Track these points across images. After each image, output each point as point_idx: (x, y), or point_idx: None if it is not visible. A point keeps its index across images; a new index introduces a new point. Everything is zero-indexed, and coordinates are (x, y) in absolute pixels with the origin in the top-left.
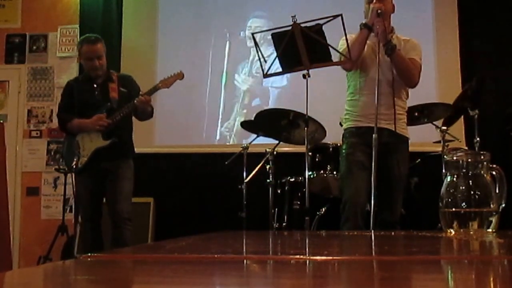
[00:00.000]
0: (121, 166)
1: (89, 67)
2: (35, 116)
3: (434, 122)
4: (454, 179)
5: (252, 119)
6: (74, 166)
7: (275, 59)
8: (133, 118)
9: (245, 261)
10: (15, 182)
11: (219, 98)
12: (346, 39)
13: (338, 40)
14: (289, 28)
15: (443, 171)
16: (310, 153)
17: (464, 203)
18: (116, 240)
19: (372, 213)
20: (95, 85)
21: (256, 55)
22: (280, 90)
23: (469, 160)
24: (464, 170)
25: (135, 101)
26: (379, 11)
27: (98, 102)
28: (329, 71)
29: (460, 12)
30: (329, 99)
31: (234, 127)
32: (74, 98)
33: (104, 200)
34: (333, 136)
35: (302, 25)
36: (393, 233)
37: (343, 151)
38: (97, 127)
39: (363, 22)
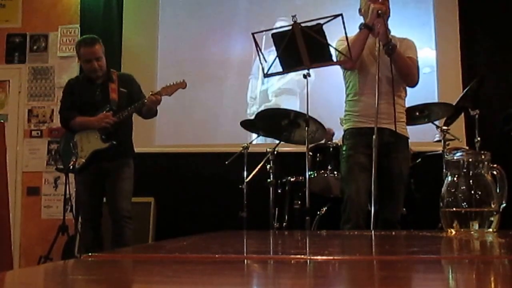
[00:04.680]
0: (121, 166)
1: (88, 69)
2: (36, 116)
3: (434, 122)
4: (455, 178)
5: (253, 118)
6: (71, 166)
7: (275, 58)
8: (133, 118)
9: (245, 261)
10: (15, 182)
11: (220, 97)
12: (347, 39)
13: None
14: (290, 27)
15: (444, 170)
16: (310, 153)
17: (464, 203)
18: (117, 239)
19: (372, 213)
20: (95, 85)
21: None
22: (280, 90)
23: (470, 159)
24: (464, 170)
25: (146, 100)
26: (379, 11)
27: (98, 102)
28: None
29: (460, 12)
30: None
31: (235, 126)
32: (75, 96)
33: (104, 199)
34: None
35: (303, 24)
36: (393, 232)
37: (344, 152)
38: (103, 124)
39: (363, 22)
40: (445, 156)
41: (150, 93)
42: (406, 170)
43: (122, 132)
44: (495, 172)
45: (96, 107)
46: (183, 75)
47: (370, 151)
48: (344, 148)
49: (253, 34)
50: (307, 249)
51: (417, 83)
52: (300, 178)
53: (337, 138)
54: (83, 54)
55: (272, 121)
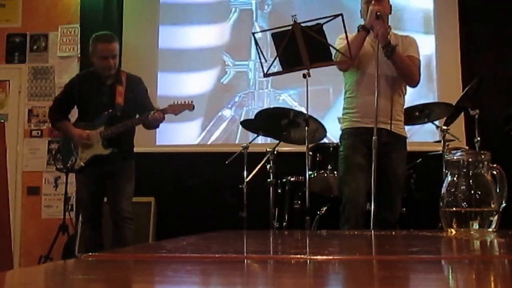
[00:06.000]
0: (122, 167)
1: (103, 66)
2: (36, 116)
3: (434, 122)
4: (455, 178)
5: (253, 118)
6: (69, 166)
7: (275, 58)
8: None
9: (245, 260)
10: (15, 181)
11: (220, 97)
12: (347, 38)
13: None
14: (290, 27)
15: (444, 170)
16: (310, 153)
17: (464, 203)
18: (117, 240)
19: (372, 213)
20: (104, 86)
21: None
22: (282, 91)
23: (470, 159)
24: (464, 170)
25: (149, 116)
26: (378, 13)
27: (104, 104)
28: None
29: (460, 12)
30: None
31: (235, 126)
32: (75, 95)
33: (105, 199)
34: (334, 136)
35: (303, 24)
36: (393, 232)
37: (341, 152)
38: (81, 142)
39: (361, 24)
40: (445, 156)
41: (156, 109)
42: (404, 170)
43: (124, 136)
44: (495, 172)
45: (101, 108)
46: (183, 75)
47: (368, 150)
48: (341, 148)
49: (253, 33)
50: (307, 249)
51: (418, 82)
52: (300, 178)
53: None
54: (100, 50)
55: (271, 120)
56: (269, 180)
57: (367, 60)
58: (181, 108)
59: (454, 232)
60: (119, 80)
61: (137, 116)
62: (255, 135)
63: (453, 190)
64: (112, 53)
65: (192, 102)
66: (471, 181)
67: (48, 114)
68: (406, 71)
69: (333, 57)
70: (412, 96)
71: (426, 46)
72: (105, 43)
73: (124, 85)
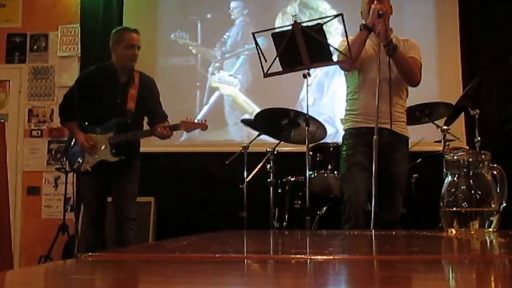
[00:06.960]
0: (128, 168)
1: (128, 55)
2: (36, 116)
3: (435, 122)
4: (455, 178)
5: (252, 119)
6: (76, 168)
7: (275, 58)
8: (144, 122)
9: (246, 260)
10: (15, 181)
11: (220, 97)
12: (347, 38)
13: (338, 40)
14: (290, 27)
15: (444, 170)
16: (311, 153)
17: (465, 203)
18: (120, 240)
19: (372, 213)
20: (117, 85)
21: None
22: (282, 91)
23: (470, 159)
24: (465, 170)
25: (156, 132)
26: (380, 12)
27: (114, 105)
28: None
29: (461, 12)
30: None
31: (235, 126)
32: (85, 90)
33: (109, 199)
34: (334, 136)
35: (303, 24)
36: (393, 232)
37: (343, 152)
38: (85, 149)
39: (363, 23)
40: (445, 156)
41: (166, 117)
42: (405, 170)
43: (132, 142)
44: (495, 172)
45: (110, 109)
46: (183, 76)
47: (370, 150)
48: (343, 148)
49: (253, 33)
50: (307, 249)
51: (419, 82)
52: (300, 178)
53: (337, 138)
54: (127, 38)
55: (272, 120)
56: (269, 180)
57: (369, 63)
58: (194, 126)
59: (454, 232)
60: (132, 79)
61: (147, 120)
62: (255, 135)
63: (453, 190)
64: (138, 43)
65: (205, 121)
66: (471, 181)
67: (59, 111)
68: (408, 70)
69: (334, 58)
70: (413, 96)
71: (427, 46)
72: (133, 33)
73: (136, 87)
